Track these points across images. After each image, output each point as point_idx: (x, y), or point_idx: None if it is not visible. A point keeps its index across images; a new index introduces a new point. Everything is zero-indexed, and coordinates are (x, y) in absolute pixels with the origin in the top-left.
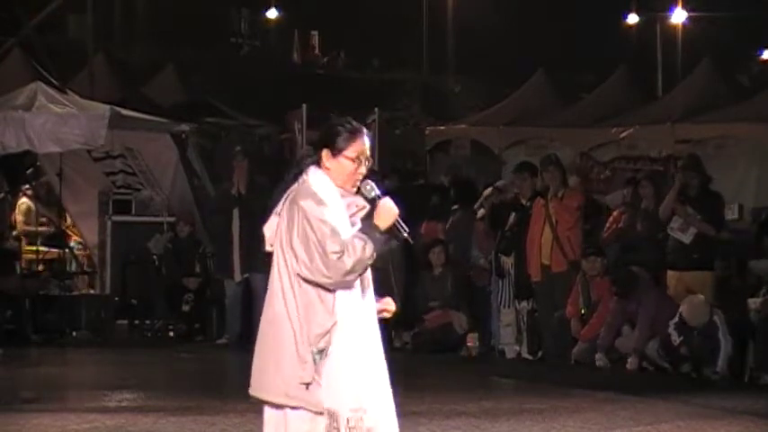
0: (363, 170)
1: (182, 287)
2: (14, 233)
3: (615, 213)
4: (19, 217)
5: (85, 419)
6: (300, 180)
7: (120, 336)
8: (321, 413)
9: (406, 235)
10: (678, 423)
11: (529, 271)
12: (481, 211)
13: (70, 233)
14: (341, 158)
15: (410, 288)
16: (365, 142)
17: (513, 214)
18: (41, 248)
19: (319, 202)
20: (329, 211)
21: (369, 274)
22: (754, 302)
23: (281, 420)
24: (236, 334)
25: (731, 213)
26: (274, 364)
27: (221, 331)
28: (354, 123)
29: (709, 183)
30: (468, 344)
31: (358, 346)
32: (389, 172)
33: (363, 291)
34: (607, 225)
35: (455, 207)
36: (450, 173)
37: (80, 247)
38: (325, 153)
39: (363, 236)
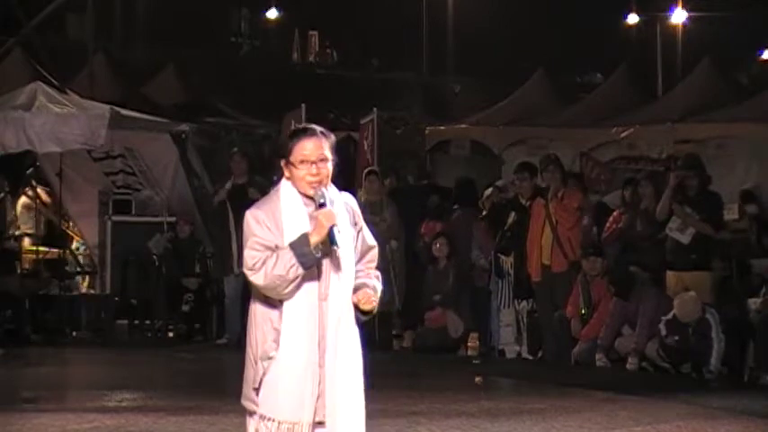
0: (314, 171)
1: (182, 287)
2: (16, 233)
3: (615, 213)
4: (22, 217)
5: (85, 419)
6: (273, 189)
7: (120, 336)
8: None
9: (336, 248)
10: (678, 423)
11: (529, 271)
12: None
13: (70, 233)
14: (290, 166)
15: (413, 286)
16: (311, 144)
17: (513, 214)
18: (41, 248)
19: (266, 210)
20: (274, 222)
21: (343, 283)
22: (754, 302)
23: (250, 424)
24: (236, 334)
25: (731, 213)
26: (244, 369)
27: (221, 331)
28: (302, 126)
29: (708, 183)
30: (470, 344)
31: (306, 356)
32: (393, 172)
33: (323, 299)
34: (607, 225)
35: (455, 207)
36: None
37: (80, 247)
38: (282, 162)
39: (287, 250)
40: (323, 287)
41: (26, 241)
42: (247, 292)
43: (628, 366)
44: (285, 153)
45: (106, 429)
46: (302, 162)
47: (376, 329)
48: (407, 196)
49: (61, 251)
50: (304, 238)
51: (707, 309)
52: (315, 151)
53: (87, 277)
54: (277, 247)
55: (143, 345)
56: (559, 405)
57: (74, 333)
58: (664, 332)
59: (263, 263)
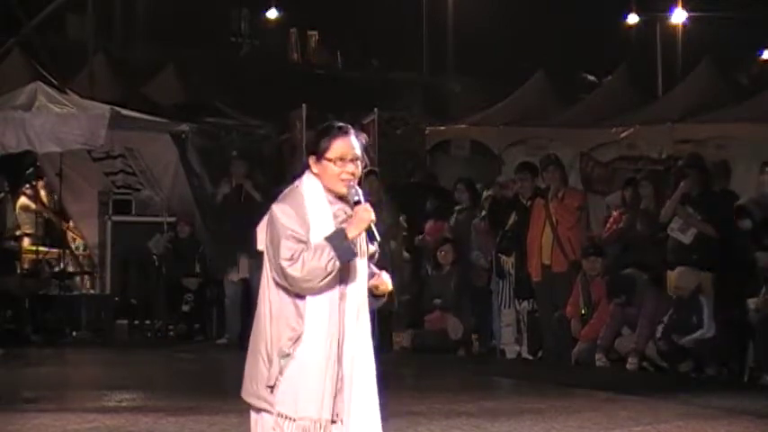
0: (351, 169)
1: (182, 287)
2: (16, 233)
3: (615, 213)
4: (22, 217)
5: (85, 419)
6: (294, 184)
7: (120, 336)
8: (279, 416)
9: (375, 245)
10: (678, 423)
11: (529, 271)
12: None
13: (70, 233)
14: (323, 161)
15: (414, 285)
16: (347, 143)
17: (514, 214)
18: (41, 248)
19: (293, 206)
20: (301, 218)
21: (359, 282)
22: (753, 302)
23: (258, 422)
24: (236, 334)
25: None
26: (253, 366)
27: (221, 331)
28: (337, 124)
29: (710, 184)
30: (470, 345)
31: (327, 354)
32: (393, 172)
33: (341, 299)
34: (607, 225)
35: (459, 207)
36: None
37: (80, 247)
38: (311, 159)
39: (324, 243)
40: (341, 285)
41: (26, 241)
42: (248, 293)
43: (628, 366)
44: (319, 149)
45: (106, 429)
46: (340, 160)
47: (375, 330)
48: (407, 196)
49: (61, 251)
50: (341, 232)
51: (700, 295)
52: (351, 150)
53: (86, 277)
54: (306, 242)
55: (143, 345)
56: (559, 405)
57: (74, 333)
58: (660, 338)
59: (301, 254)
